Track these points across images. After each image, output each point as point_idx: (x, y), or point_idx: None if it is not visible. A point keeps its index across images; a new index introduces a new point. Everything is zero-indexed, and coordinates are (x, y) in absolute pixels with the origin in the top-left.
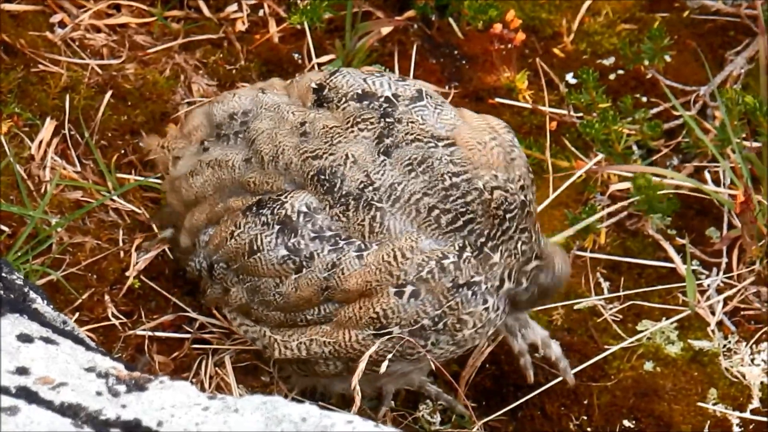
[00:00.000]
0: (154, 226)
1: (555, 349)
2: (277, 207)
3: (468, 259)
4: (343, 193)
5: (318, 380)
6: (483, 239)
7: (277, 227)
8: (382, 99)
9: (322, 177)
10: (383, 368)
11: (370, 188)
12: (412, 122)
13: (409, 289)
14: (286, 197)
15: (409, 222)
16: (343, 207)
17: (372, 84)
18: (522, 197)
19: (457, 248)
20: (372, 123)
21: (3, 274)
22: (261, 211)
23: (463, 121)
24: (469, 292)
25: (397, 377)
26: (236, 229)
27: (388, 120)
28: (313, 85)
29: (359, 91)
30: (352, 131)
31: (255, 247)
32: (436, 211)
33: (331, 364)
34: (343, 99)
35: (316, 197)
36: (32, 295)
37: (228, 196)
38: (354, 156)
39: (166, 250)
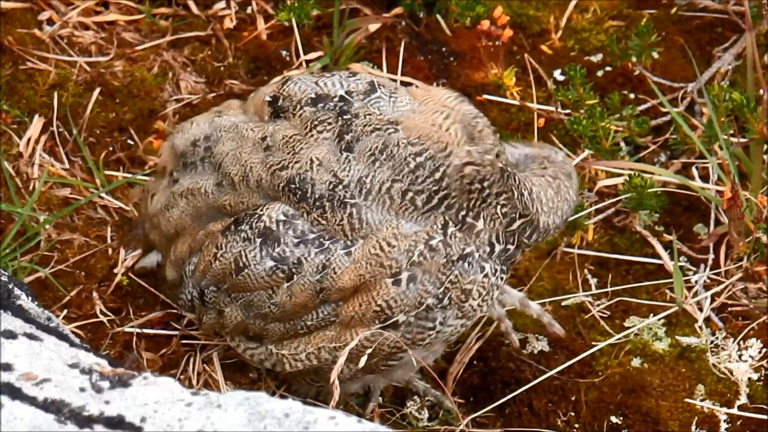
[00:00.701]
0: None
1: (534, 307)
2: (255, 221)
3: (453, 234)
4: (317, 197)
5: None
6: (463, 212)
7: (258, 240)
8: (336, 98)
9: (293, 186)
10: (362, 362)
11: (340, 186)
12: (369, 114)
13: (405, 275)
14: (261, 210)
15: (385, 211)
16: (320, 210)
17: (324, 85)
18: (500, 165)
19: (440, 226)
20: (330, 123)
21: None
22: (239, 227)
23: (417, 104)
24: (465, 263)
25: (413, 367)
26: (218, 250)
27: (345, 117)
28: (267, 98)
29: (312, 95)
30: (312, 135)
31: (241, 264)
32: (410, 194)
33: (344, 368)
34: (298, 106)
35: (291, 207)
36: (17, 291)
37: (206, 222)
38: (318, 159)
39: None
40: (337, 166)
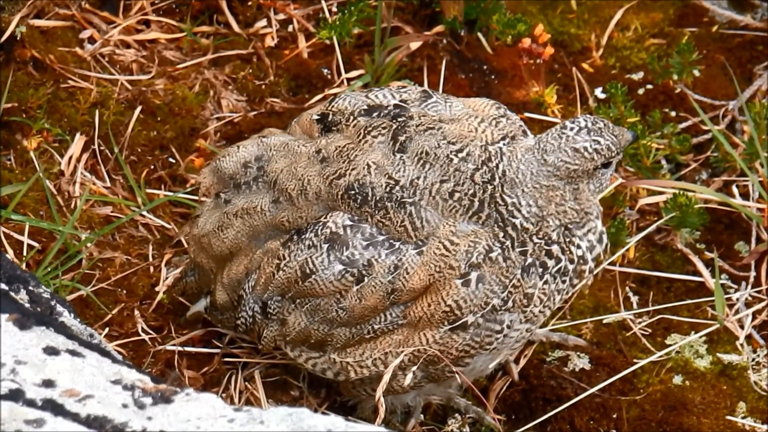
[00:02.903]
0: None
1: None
2: (320, 228)
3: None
4: (377, 198)
5: (389, 399)
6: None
7: (326, 246)
8: (391, 106)
9: (352, 192)
10: (407, 381)
11: (397, 187)
12: (424, 116)
13: (474, 275)
14: (326, 217)
15: (438, 213)
16: (383, 211)
17: (375, 97)
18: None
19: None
20: (384, 128)
21: (30, 288)
22: (303, 236)
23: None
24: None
25: (477, 373)
26: (281, 260)
27: (400, 119)
28: (315, 117)
29: (365, 107)
30: (366, 140)
31: (308, 271)
32: (457, 195)
33: (410, 375)
34: (351, 117)
35: (352, 213)
36: (59, 308)
37: (264, 241)
38: (375, 163)
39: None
40: (392, 168)
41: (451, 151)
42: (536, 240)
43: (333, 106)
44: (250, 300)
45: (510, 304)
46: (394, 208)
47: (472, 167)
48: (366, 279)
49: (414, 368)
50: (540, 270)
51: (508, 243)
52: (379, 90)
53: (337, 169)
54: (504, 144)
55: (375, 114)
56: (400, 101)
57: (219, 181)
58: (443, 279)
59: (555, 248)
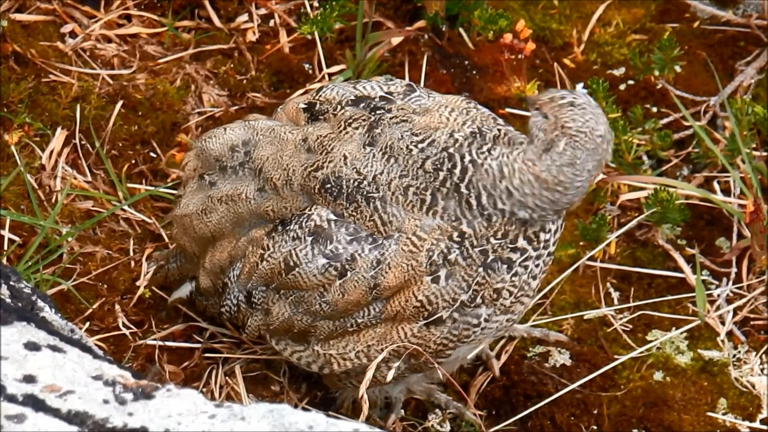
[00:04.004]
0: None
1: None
2: (305, 220)
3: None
4: (349, 191)
5: (373, 390)
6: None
7: (309, 239)
8: (377, 99)
9: (328, 185)
10: (390, 376)
11: (365, 182)
12: (402, 108)
13: (443, 272)
14: (310, 209)
15: (401, 208)
16: (354, 205)
17: (363, 89)
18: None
19: (454, 226)
20: (363, 119)
21: (11, 283)
22: (287, 227)
23: None
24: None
25: (460, 360)
26: (265, 251)
27: (378, 112)
28: (302, 105)
29: (353, 97)
30: (346, 131)
31: (291, 263)
32: (411, 190)
33: (393, 369)
34: (338, 107)
35: (329, 207)
36: (40, 303)
37: (248, 228)
38: (349, 155)
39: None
40: (360, 163)
41: (411, 142)
42: (494, 241)
43: (320, 96)
44: (235, 289)
45: (479, 300)
46: (363, 202)
47: (426, 155)
48: (349, 273)
49: (398, 363)
50: (505, 266)
51: (467, 242)
52: (366, 82)
53: (315, 161)
54: (473, 137)
55: (362, 105)
56: (387, 93)
57: (203, 162)
58: (415, 276)
59: (522, 242)
